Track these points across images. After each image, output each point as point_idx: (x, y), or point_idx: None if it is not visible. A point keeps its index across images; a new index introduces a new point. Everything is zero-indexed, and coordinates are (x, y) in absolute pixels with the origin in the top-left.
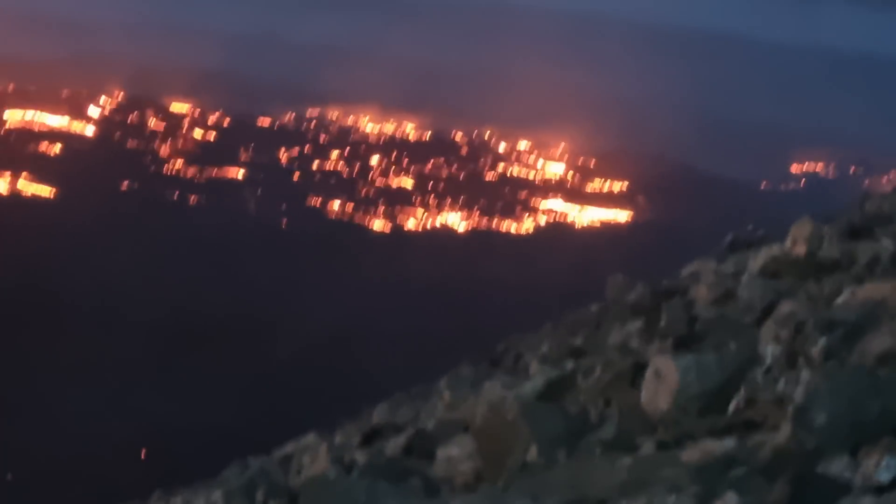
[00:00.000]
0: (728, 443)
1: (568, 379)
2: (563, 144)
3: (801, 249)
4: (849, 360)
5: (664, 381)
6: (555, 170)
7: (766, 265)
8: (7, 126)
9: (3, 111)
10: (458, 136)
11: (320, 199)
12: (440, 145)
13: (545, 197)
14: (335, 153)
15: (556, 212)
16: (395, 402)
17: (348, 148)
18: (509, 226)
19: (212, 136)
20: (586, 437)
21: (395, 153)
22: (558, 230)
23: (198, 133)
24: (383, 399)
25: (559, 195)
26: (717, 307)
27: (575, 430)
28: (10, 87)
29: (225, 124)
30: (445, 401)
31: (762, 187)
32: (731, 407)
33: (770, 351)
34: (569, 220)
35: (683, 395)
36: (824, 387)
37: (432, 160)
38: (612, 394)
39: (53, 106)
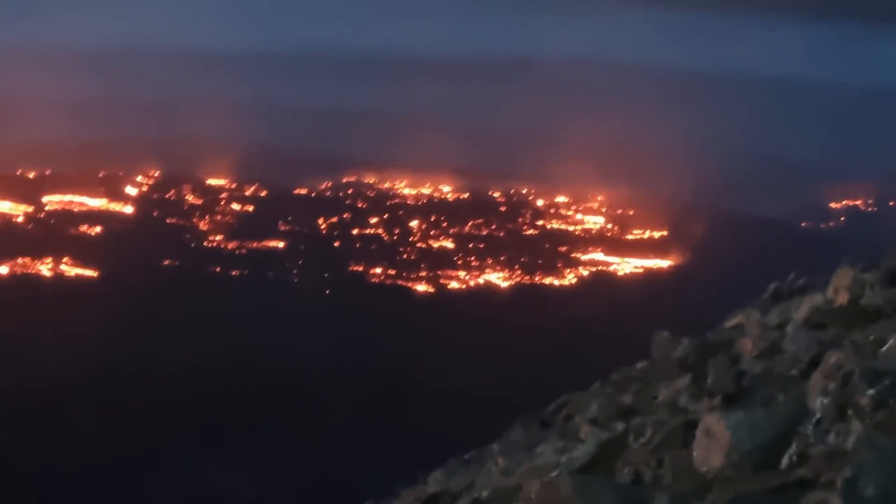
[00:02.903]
0: None
1: (619, 441)
2: (600, 196)
3: (843, 298)
4: None
5: (715, 439)
6: (594, 222)
7: (809, 316)
8: (47, 210)
9: (43, 195)
10: (496, 194)
11: (362, 265)
12: (479, 204)
13: (586, 250)
14: (374, 218)
15: (597, 264)
16: (450, 468)
17: (387, 213)
18: (552, 280)
19: (250, 208)
20: None
21: (433, 215)
22: (600, 282)
23: (236, 206)
24: (436, 464)
25: (600, 247)
26: (764, 361)
27: (629, 501)
28: (48, 171)
29: (263, 196)
30: (500, 467)
31: (802, 226)
32: (784, 462)
33: (819, 403)
34: (610, 271)
35: (735, 452)
36: (873, 457)
37: (471, 220)
38: (664, 454)
39: (91, 188)
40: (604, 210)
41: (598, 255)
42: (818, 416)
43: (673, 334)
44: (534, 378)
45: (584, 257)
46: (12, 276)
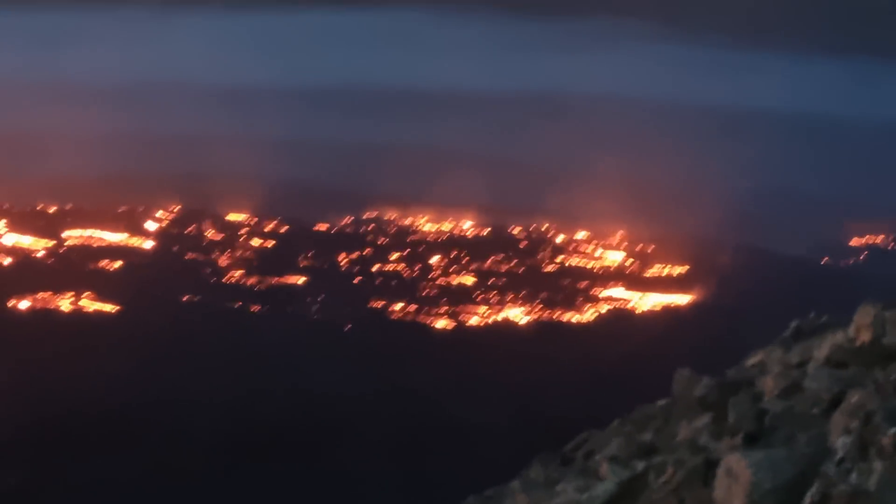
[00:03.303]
0: None
1: (640, 479)
2: (620, 232)
3: (865, 337)
4: None
5: (736, 478)
6: (614, 258)
7: (831, 354)
8: (67, 245)
9: (63, 230)
10: (516, 230)
11: (382, 300)
12: (498, 241)
13: (606, 285)
14: (395, 254)
15: (617, 300)
16: None
17: (407, 248)
18: (571, 316)
19: (270, 243)
20: None
21: (454, 251)
22: (620, 318)
23: (256, 242)
24: (456, 501)
25: (620, 283)
26: (785, 399)
27: None
28: (68, 206)
29: (283, 231)
30: None
31: (822, 263)
32: (806, 502)
33: (841, 443)
34: (630, 307)
35: (757, 492)
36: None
37: (491, 256)
38: (684, 493)
39: (111, 223)
40: (624, 246)
41: (618, 291)
42: (840, 455)
43: (693, 372)
44: (553, 415)
45: (604, 293)
46: (32, 311)
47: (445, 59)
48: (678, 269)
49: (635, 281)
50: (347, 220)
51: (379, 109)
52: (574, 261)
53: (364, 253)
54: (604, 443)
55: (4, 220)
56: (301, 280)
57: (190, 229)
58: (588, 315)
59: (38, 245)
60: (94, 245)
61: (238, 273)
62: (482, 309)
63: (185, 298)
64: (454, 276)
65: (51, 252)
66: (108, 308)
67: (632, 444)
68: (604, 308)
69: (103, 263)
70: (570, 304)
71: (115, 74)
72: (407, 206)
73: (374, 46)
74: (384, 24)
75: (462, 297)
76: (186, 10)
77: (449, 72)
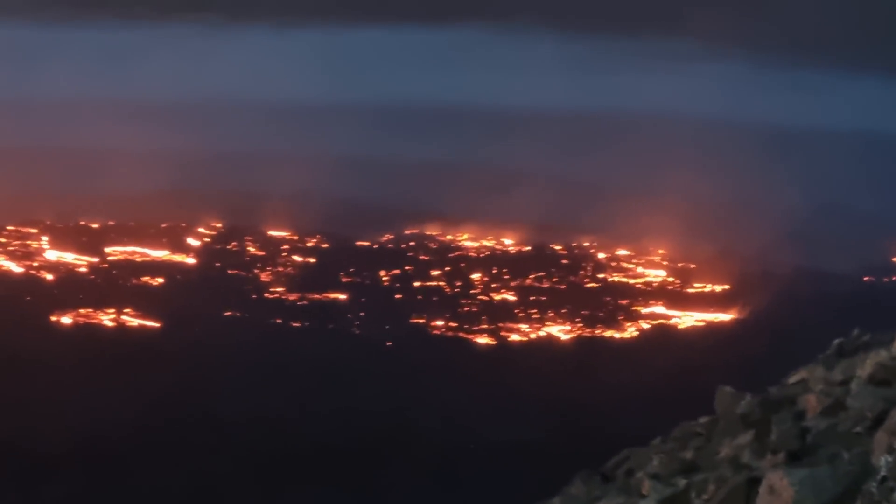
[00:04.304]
0: None
1: (681, 497)
2: (662, 249)
3: None
4: None
5: (779, 496)
6: (656, 275)
7: (874, 373)
8: (110, 260)
9: (106, 246)
10: (558, 247)
11: (423, 317)
12: (540, 257)
13: (647, 303)
14: (436, 271)
15: (658, 317)
16: None
17: (449, 265)
18: (613, 333)
19: (312, 260)
20: None
21: (495, 268)
22: (662, 335)
23: (298, 258)
24: None
25: (661, 300)
26: (828, 417)
27: None
28: (112, 222)
29: (324, 247)
30: None
31: (866, 280)
32: None
33: (884, 461)
34: (672, 324)
35: None
36: None
37: (533, 272)
38: None
39: (154, 239)
40: (666, 263)
41: (660, 309)
42: (883, 473)
43: (735, 389)
44: (594, 432)
45: (646, 310)
46: (75, 326)
47: (497, 78)
48: (720, 287)
49: (677, 298)
50: (389, 236)
51: (423, 127)
52: (616, 277)
53: (405, 269)
54: (645, 460)
55: (48, 237)
56: (342, 296)
57: (232, 246)
58: (629, 332)
59: (81, 261)
60: (137, 261)
61: (280, 289)
62: (523, 325)
63: (226, 314)
64: (496, 292)
65: (93, 268)
66: (151, 323)
67: (673, 461)
68: (645, 325)
69: (146, 279)
70: (612, 321)
71: (160, 92)
72: (449, 222)
73: (427, 64)
74: (438, 43)
75: (503, 314)
76: (238, 28)
77: (498, 90)
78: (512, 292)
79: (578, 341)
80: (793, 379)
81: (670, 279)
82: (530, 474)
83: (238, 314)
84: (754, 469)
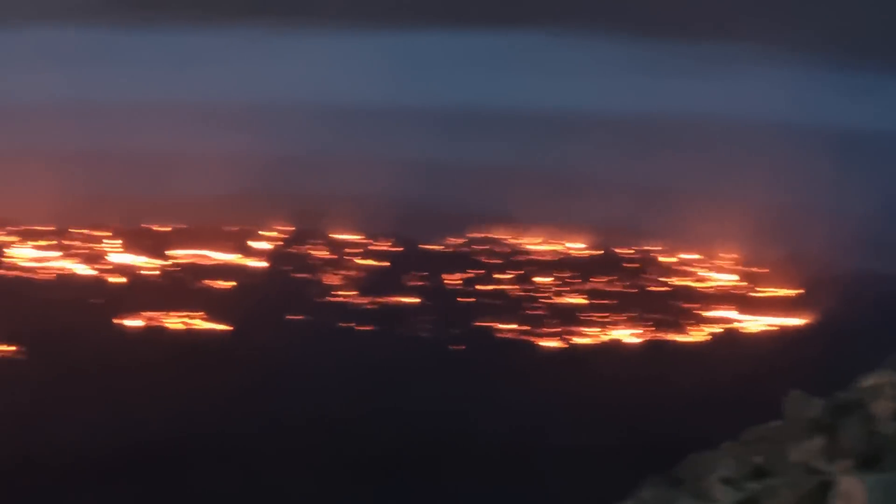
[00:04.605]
0: None
1: (752, 501)
2: (732, 254)
3: None
4: None
5: (851, 501)
6: (725, 279)
7: None
8: (178, 264)
9: (174, 249)
10: (627, 250)
11: (491, 320)
12: (609, 261)
13: (717, 307)
14: (503, 274)
15: (728, 321)
16: None
17: (516, 268)
18: (682, 337)
19: (379, 263)
20: None
21: (563, 271)
22: (731, 340)
23: (365, 261)
24: None
25: (731, 304)
26: None
27: None
28: (179, 225)
29: (391, 251)
30: None
31: None
32: None
33: None
34: (741, 329)
35: None
36: None
37: (601, 276)
38: None
39: (221, 242)
40: (735, 267)
41: (730, 313)
42: None
43: (806, 394)
44: (664, 436)
45: (715, 314)
46: (143, 330)
47: (562, 82)
48: (790, 292)
49: (747, 303)
50: (458, 239)
51: (489, 130)
52: (685, 282)
53: (472, 273)
54: (715, 464)
55: (115, 240)
56: (409, 300)
57: (300, 249)
58: (698, 336)
59: (149, 264)
60: (205, 265)
61: (347, 293)
62: (591, 329)
63: (294, 318)
64: (564, 296)
65: (162, 271)
66: (218, 327)
67: (744, 465)
68: (715, 329)
69: (213, 283)
70: (681, 325)
71: (229, 95)
72: (516, 226)
73: (491, 68)
74: (503, 46)
75: (571, 318)
76: (304, 32)
77: (564, 94)
78: (579, 296)
79: (647, 345)
80: (864, 383)
81: (739, 283)
82: (600, 479)
83: (305, 318)
84: (826, 474)
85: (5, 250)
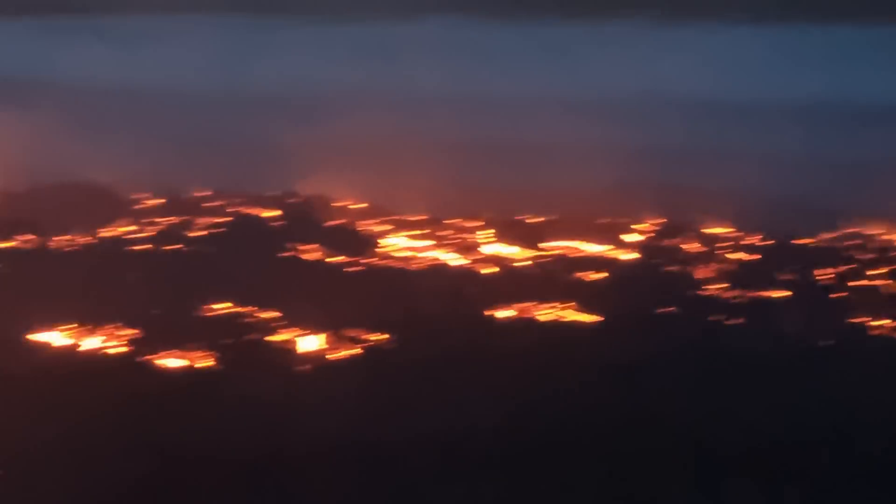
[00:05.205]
0: None
1: None
2: None
3: None
4: None
5: None
6: None
7: None
8: (549, 255)
9: (545, 241)
10: None
11: (863, 317)
12: None
13: None
14: (876, 271)
15: None
16: None
17: (890, 265)
18: None
19: (749, 257)
20: None
21: None
22: None
23: (735, 255)
24: None
25: None
26: None
27: None
28: (552, 217)
29: (762, 245)
30: None
31: None
32: None
33: None
34: None
35: None
36: None
37: None
38: None
39: (592, 234)
40: None
41: None
42: None
43: None
44: None
45: None
46: (516, 320)
47: None
48: None
49: None
50: (830, 234)
51: (863, 125)
52: None
53: (844, 268)
54: None
55: (490, 231)
56: (779, 294)
57: (672, 242)
58: None
59: (521, 255)
60: (576, 256)
61: (717, 286)
62: None
63: (664, 310)
64: None
65: (533, 262)
66: (588, 319)
67: None
68: None
69: (585, 275)
70: None
71: (601, 88)
72: (892, 222)
73: (862, 62)
74: (878, 41)
75: None
76: (674, 25)
77: None
78: None
79: None
80: None
81: None
82: None
83: (674, 310)
84: None
85: (379, 240)
